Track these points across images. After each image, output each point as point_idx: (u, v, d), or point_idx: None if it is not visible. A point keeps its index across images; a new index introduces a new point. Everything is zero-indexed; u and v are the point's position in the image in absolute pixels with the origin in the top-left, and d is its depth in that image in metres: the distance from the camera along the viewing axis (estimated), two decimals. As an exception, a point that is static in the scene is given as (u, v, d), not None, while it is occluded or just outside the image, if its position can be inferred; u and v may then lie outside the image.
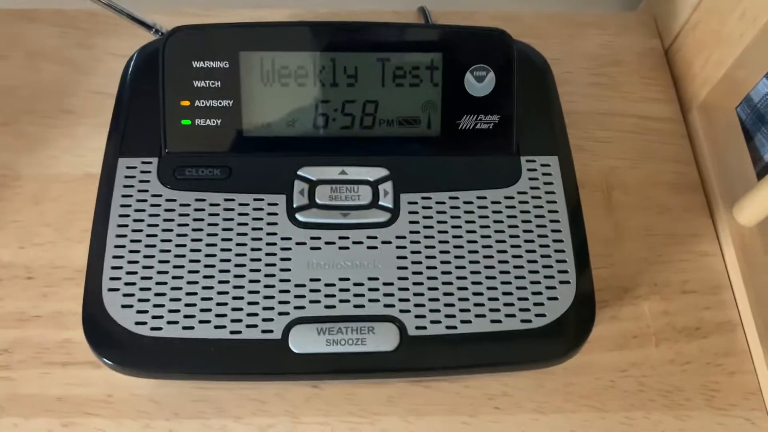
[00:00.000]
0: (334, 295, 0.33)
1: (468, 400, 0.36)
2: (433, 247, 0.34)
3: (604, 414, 0.36)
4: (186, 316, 0.32)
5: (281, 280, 0.33)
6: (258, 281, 0.33)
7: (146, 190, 0.35)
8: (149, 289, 0.32)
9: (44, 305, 0.37)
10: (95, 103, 0.44)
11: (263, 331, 0.32)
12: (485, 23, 0.49)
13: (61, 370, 0.36)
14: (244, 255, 0.33)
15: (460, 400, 0.36)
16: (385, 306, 0.33)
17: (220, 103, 0.35)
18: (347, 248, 0.34)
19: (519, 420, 0.36)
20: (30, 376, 0.36)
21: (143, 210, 0.34)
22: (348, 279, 0.33)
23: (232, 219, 0.34)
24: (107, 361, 0.32)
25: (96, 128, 0.43)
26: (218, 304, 0.32)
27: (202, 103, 0.35)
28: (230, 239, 0.34)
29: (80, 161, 0.42)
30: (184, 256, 0.33)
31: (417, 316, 0.33)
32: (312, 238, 0.34)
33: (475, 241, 0.34)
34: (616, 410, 0.36)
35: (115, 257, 0.33)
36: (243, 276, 0.33)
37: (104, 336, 0.32)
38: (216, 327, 0.32)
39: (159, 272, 0.33)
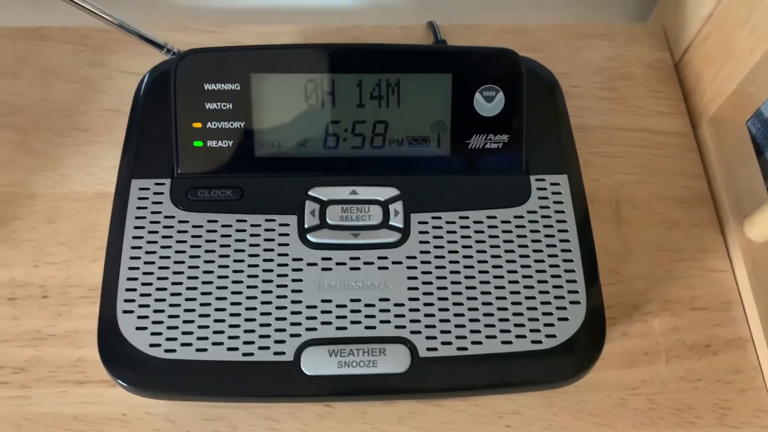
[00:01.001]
0: (345, 317, 0.33)
1: (478, 418, 0.36)
2: (444, 267, 0.34)
3: (614, 432, 0.36)
4: (199, 338, 0.32)
5: (293, 302, 0.33)
6: (270, 303, 0.33)
7: (159, 212, 0.35)
8: (163, 311, 0.33)
9: (59, 324, 0.38)
10: (107, 121, 0.45)
11: (275, 353, 0.32)
12: (494, 36, 0.49)
13: (76, 389, 0.36)
14: (257, 276, 0.34)
15: (470, 418, 0.36)
16: (396, 327, 0.33)
17: (232, 124, 0.36)
18: (358, 269, 0.34)
19: (529, 438, 0.36)
20: (46, 395, 0.36)
21: (156, 232, 0.34)
22: (359, 300, 0.34)
23: (244, 240, 0.35)
24: (122, 383, 0.32)
25: (108, 146, 0.44)
26: (231, 326, 0.33)
27: (214, 124, 0.36)
28: (242, 260, 0.34)
29: (93, 180, 0.42)
30: (197, 277, 0.34)
31: (428, 338, 0.33)
32: (323, 258, 0.34)
33: (485, 261, 0.35)
34: (627, 428, 0.36)
35: (129, 279, 0.33)
36: (255, 297, 0.33)
37: (119, 358, 0.32)
38: (229, 349, 0.32)
39: (172, 294, 0.33)
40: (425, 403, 0.36)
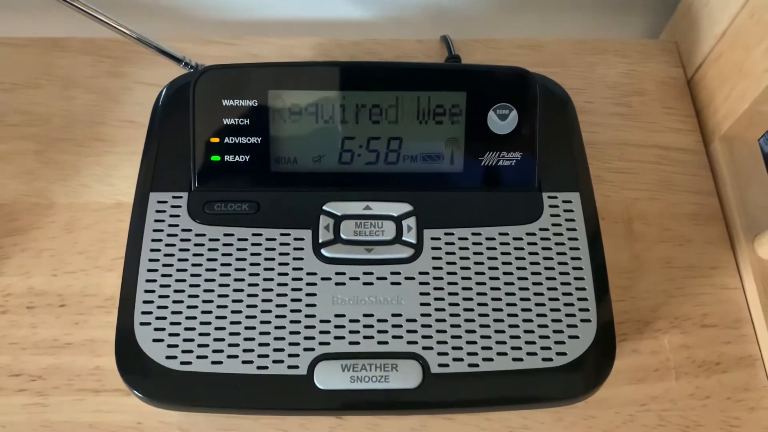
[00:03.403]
0: (358, 331, 0.34)
1: (488, 432, 0.37)
2: (456, 283, 0.35)
3: (623, 448, 0.37)
4: (215, 351, 0.33)
5: (307, 316, 0.34)
6: (284, 317, 0.34)
7: (177, 225, 0.36)
8: (179, 323, 0.33)
9: (76, 333, 0.39)
10: (125, 132, 0.45)
11: (289, 367, 0.33)
12: (508, 52, 0.50)
13: (93, 397, 0.37)
14: (271, 290, 0.34)
15: (480, 432, 0.37)
16: (408, 343, 0.33)
17: (249, 140, 0.36)
18: (371, 284, 0.35)
19: (539, 453, 0.36)
20: (63, 403, 0.37)
21: (174, 244, 0.35)
22: (372, 315, 0.34)
23: (259, 254, 0.35)
24: (138, 394, 0.33)
25: (126, 156, 0.44)
26: (246, 339, 0.33)
27: (231, 140, 0.36)
28: (258, 274, 0.35)
29: (111, 190, 0.43)
30: (213, 290, 0.34)
31: (440, 354, 0.33)
32: (337, 273, 0.35)
33: (497, 278, 0.35)
34: (636, 445, 0.37)
35: (146, 291, 0.34)
36: (270, 311, 0.34)
37: (136, 369, 0.33)
38: (243, 362, 0.33)
39: (189, 307, 0.34)
40: (436, 417, 0.37)
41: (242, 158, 0.37)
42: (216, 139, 0.36)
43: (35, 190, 0.43)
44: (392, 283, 0.35)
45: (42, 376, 0.37)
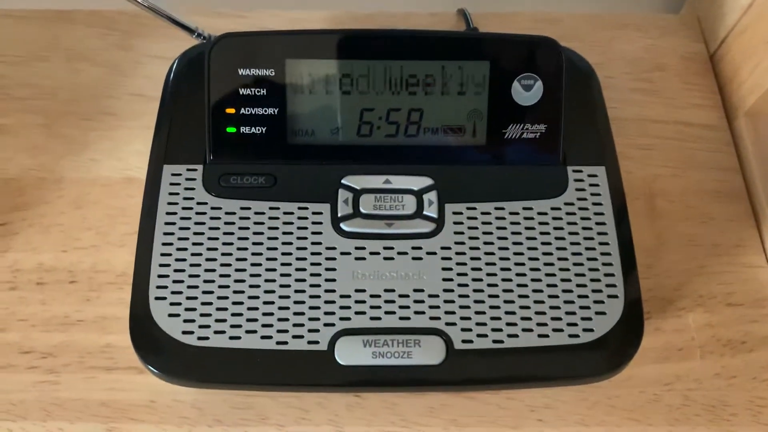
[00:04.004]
0: (379, 307, 0.33)
1: (510, 412, 0.36)
2: (479, 258, 0.34)
3: (647, 428, 0.36)
4: (232, 326, 0.32)
5: (327, 291, 0.33)
6: (303, 291, 0.33)
7: (191, 198, 0.35)
8: (196, 298, 0.32)
9: (87, 309, 0.38)
10: (135, 106, 0.44)
11: (309, 342, 0.32)
12: (526, 25, 0.49)
13: (104, 375, 0.36)
14: (290, 264, 0.33)
15: (502, 412, 0.36)
16: (431, 318, 0.33)
17: (266, 110, 0.35)
18: (392, 259, 0.34)
19: (561, 433, 0.36)
20: (74, 381, 0.36)
21: (189, 218, 0.34)
22: (393, 290, 0.33)
23: (277, 228, 0.34)
24: (154, 370, 0.32)
25: (136, 131, 0.43)
26: (264, 314, 0.32)
27: (248, 110, 0.35)
28: (275, 248, 0.34)
29: (120, 165, 0.42)
30: (230, 265, 0.33)
31: (463, 330, 0.32)
32: (357, 248, 0.34)
33: (522, 253, 0.34)
34: (660, 424, 0.36)
35: (161, 265, 0.33)
36: (289, 286, 0.33)
37: (151, 345, 0.32)
38: (262, 337, 0.32)
39: (205, 281, 0.33)
40: (456, 396, 0.36)
41: (258, 130, 0.35)
42: (232, 110, 0.35)
43: (43, 165, 0.42)
44: (413, 258, 0.34)
45: (53, 354, 0.36)
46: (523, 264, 0.34)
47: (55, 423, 0.35)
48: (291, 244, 0.34)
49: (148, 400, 0.36)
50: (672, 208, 0.42)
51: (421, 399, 0.36)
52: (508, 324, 0.32)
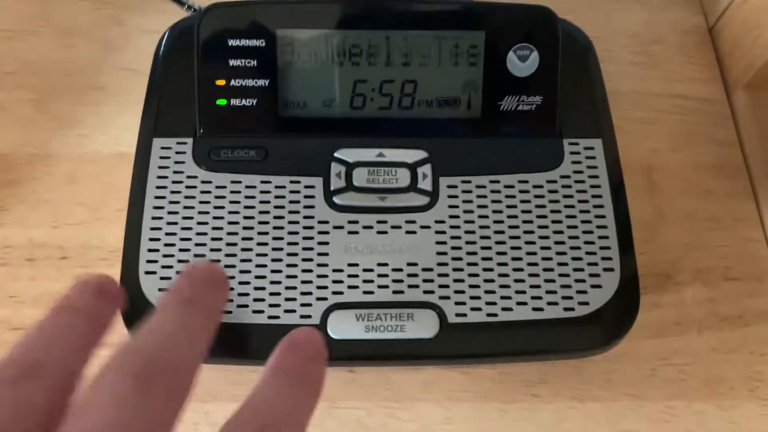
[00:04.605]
0: (372, 281, 0.32)
1: (505, 386, 0.36)
2: (473, 232, 0.33)
3: (644, 403, 0.35)
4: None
5: (319, 265, 0.32)
6: (296, 265, 0.32)
7: (182, 171, 0.34)
8: (186, 272, 0.32)
9: (78, 286, 0.37)
10: (125, 81, 0.43)
11: (302, 317, 0.31)
12: (523, -2, 0.48)
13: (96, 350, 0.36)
14: (282, 239, 0.33)
15: (496, 386, 0.36)
16: (425, 292, 0.32)
17: (256, 82, 0.35)
18: (385, 233, 0.33)
19: (556, 408, 0.35)
20: (66, 357, 0.35)
21: (179, 192, 0.34)
22: (386, 264, 0.33)
23: (268, 201, 0.34)
24: (145, 345, 0.31)
25: (126, 106, 0.43)
26: (256, 288, 0.32)
27: (238, 82, 0.35)
28: (267, 222, 0.33)
29: (111, 140, 0.42)
30: (220, 239, 0.33)
31: (457, 303, 0.32)
32: (350, 222, 0.33)
33: (517, 227, 0.34)
34: (657, 399, 0.36)
35: (151, 239, 0.33)
36: (280, 260, 0.32)
37: (142, 319, 0.32)
38: (254, 312, 0.31)
39: (196, 255, 0.32)
40: (450, 370, 0.36)
41: (249, 102, 0.35)
42: (222, 82, 0.35)
43: (33, 140, 0.41)
44: (407, 232, 0.33)
45: (44, 330, 0.36)
46: (518, 237, 0.33)
47: (47, 399, 0.35)
48: (283, 218, 0.33)
49: (140, 376, 0.35)
50: (670, 182, 0.42)
51: (416, 374, 0.36)
52: (502, 297, 0.32)
